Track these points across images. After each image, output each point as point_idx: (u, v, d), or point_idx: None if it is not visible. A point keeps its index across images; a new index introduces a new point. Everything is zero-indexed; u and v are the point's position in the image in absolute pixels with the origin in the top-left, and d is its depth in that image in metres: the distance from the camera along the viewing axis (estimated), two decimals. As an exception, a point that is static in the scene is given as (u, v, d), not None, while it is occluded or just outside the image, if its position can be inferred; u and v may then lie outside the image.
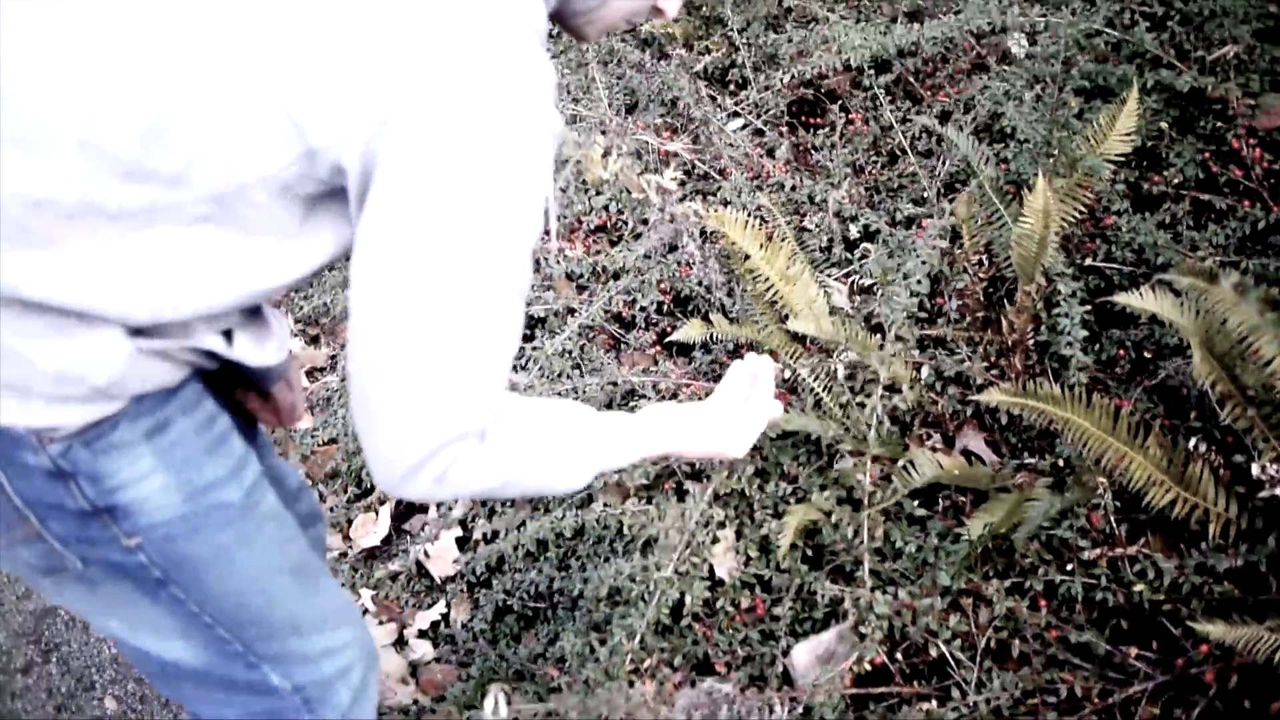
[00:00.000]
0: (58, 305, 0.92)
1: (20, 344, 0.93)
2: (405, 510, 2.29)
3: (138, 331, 0.97)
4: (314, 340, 2.73)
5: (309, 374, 2.63)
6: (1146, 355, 1.94)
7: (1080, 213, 1.97)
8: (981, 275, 2.06)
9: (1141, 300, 1.63)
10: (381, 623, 2.08)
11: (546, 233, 0.99)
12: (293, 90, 0.88)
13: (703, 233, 2.26)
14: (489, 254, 0.92)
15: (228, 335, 1.05)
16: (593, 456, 1.15)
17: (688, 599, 1.74)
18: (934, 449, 1.87)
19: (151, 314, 0.95)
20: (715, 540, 1.82)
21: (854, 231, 2.29)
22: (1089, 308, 1.90)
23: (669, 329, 2.23)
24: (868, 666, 1.64)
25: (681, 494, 1.91)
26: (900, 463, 1.80)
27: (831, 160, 2.44)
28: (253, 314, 1.08)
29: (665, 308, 2.32)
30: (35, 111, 0.88)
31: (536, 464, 1.08)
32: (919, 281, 1.92)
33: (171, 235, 0.93)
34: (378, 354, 0.94)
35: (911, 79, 2.57)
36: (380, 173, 0.90)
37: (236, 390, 1.22)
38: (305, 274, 1.01)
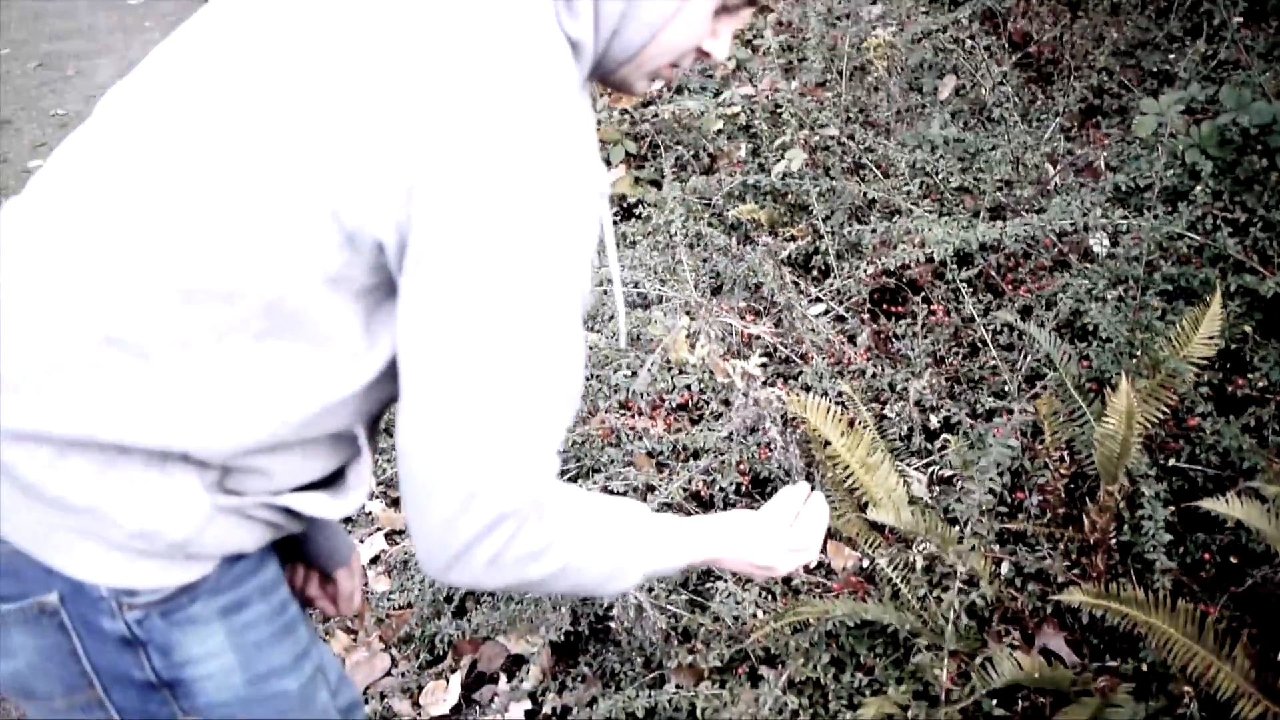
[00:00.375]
0: (135, 446, 0.92)
1: (98, 493, 0.93)
2: (475, 680, 2.29)
3: (217, 484, 0.97)
4: (394, 503, 2.78)
5: (388, 536, 2.67)
6: (1233, 561, 1.91)
7: (1163, 414, 1.97)
8: (1063, 472, 2.06)
9: (1227, 506, 1.62)
10: (447, 794, 2.07)
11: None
12: (323, 176, 0.87)
13: (784, 417, 2.29)
14: (533, 314, 0.89)
15: (306, 489, 1.04)
16: (646, 552, 1.11)
17: (758, 790, 1.71)
18: (1013, 646, 1.84)
19: (232, 442, 0.94)
20: (788, 730, 1.80)
21: (934, 422, 2.31)
22: (1173, 510, 1.89)
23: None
24: None
25: (755, 679, 1.90)
26: (978, 659, 1.78)
27: (912, 349, 2.48)
28: (335, 474, 1.07)
29: (744, 489, 2.34)
30: (94, 247, 0.91)
31: (593, 551, 1.03)
32: (999, 475, 1.92)
33: (239, 355, 0.92)
34: (427, 424, 0.90)
35: (993, 273, 2.61)
36: (413, 239, 0.87)
37: (298, 572, 1.24)
38: (374, 376, 0.98)
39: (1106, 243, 2.51)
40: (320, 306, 0.92)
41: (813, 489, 1.39)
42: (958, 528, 1.94)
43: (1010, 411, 2.15)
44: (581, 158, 0.90)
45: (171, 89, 0.95)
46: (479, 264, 0.86)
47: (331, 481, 1.07)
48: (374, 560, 2.56)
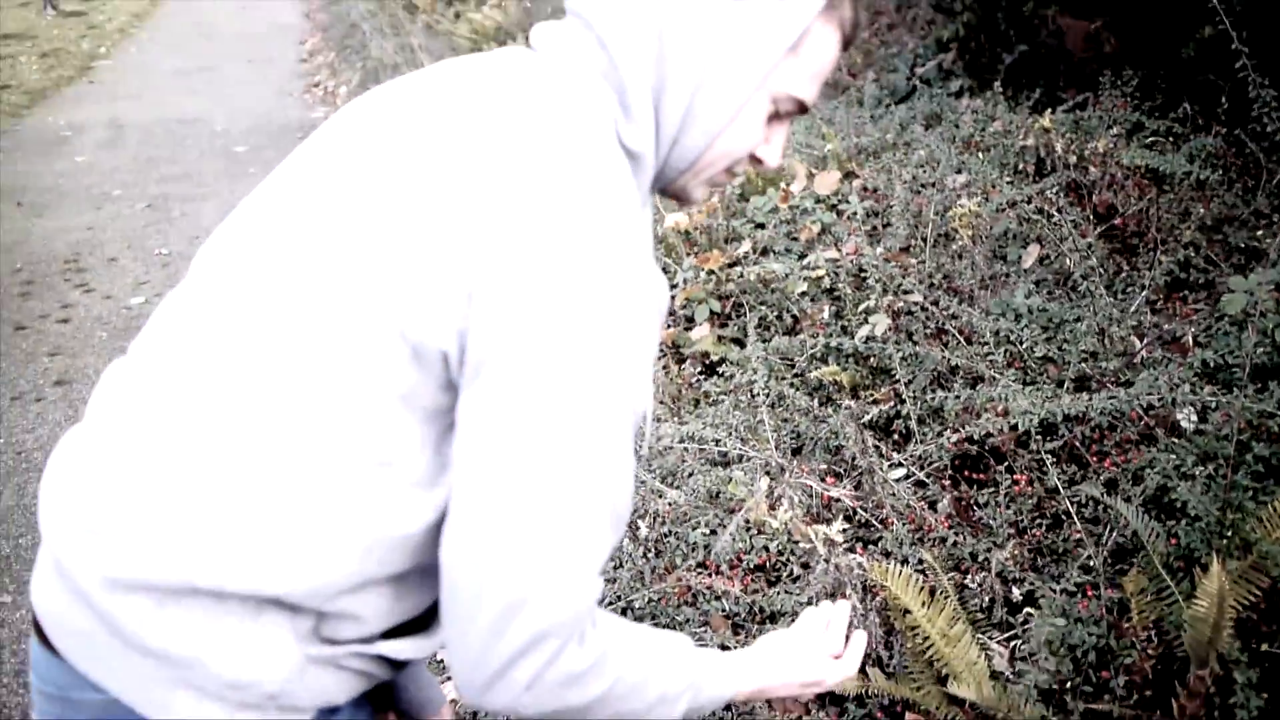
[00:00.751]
0: (231, 591, 0.94)
1: (197, 643, 0.95)
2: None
3: (311, 633, 0.99)
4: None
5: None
6: (1332, 756, 1.84)
7: (1256, 596, 1.92)
8: (1151, 652, 2.00)
9: (1325, 699, 1.57)
10: None
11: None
12: (389, 293, 0.91)
13: (864, 584, 2.27)
14: (586, 428, 0.89)
15: (395, 633, 1.05)
16: (692, 682, 1.10)
17: None
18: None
19: (321, 580, 0.95)
20: None
21: (1017, 594, 2.27)
22: (1266, 697, 1.82)
23: (823, 677, 2.20)
24: None
25: None
26: None
27: (995, 519, 2.45)
28: (427, 613, 1.08)
29: (820, 654, 2.30)
30: (184, 399, 0.96)
31: (636, 679, 1.02)
32: (1084, 654, 1.88)
33: (323, 489, 0.94)
34: (472, 534, 0.90)
35: (1078, 445, 2.59)
36: (471, 346, 0.89)
37: None
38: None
39: (1194, 418, 2.48)
40: (394, 430, 0.94)
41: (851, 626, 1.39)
42: (1041, 706, 1.89)
43: (1096, 587, 2.11)
44: (637, 272, 0.93)
45: (253, 237, 1.01)
46: (533, 375, 0.88)
47: (425, 622, 1.08)
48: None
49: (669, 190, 1.15)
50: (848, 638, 1.35)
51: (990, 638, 2.17)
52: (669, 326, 3.63)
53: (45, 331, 4.79)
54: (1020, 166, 3.92)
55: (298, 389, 0.93)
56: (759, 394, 2.91)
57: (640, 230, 0.97)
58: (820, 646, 1.31)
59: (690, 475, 2.74)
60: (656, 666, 1.05)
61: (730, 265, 3.82)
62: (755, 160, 1.14)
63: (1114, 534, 2.29)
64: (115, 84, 10.94)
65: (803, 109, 1.11)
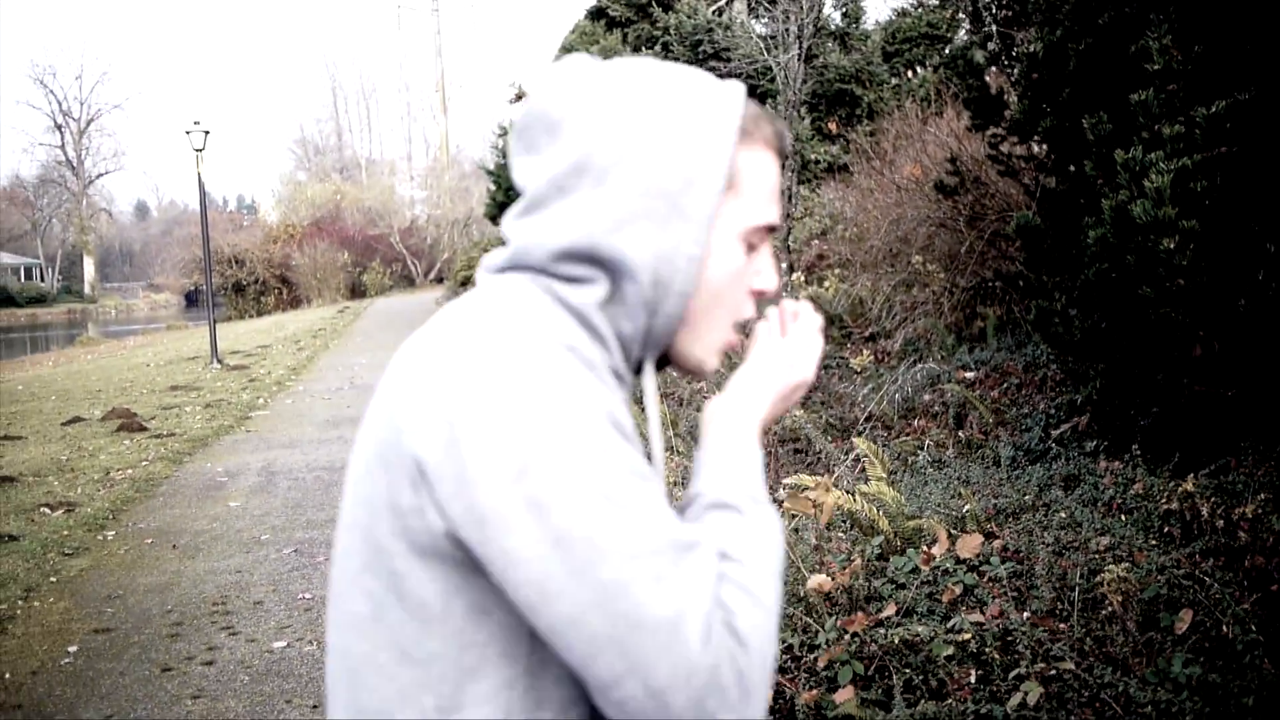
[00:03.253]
0: None
1: None
2: None
3: None
4: None
5: None
6: None
7: None
8: None
9: None
10: None
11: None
12: (382, 468, 1.02)
13: None
14: (584, 542, 0.94)
15: None
16: (749, 498, 1.11)
17: None
18: None
19: None
20: None
21: None
22: None
23: None
24: None
25: None
26: None
27: None
28: None
29: None
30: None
31: (761, 569, 1.04)
32: None
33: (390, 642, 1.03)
34: (595, 688, 0.96)
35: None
36: (448, 515, 0.97)
37: None
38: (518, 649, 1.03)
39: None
40: (431, 594, 1.01)
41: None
42: None
43: None
44: (558, 428, 0.96)
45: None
46: (514, 506, 0.95)
47: None
48: None
49: (676, 361, 1.18)
50: None
51: None
52: (810, 688, 3.58)
53: (189, 674, 4.91)
54: (1166, 530, 3.89)
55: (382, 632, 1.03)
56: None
57: (592, 392, 1.00)
58: (783, 343, 1.27)
59: None
60: (753, 538, 1.07)
61: (874, 625, 3.79)
62: (759, 294, 1.18)
63: None
64: (270, 433, 11.58)
65: (772, 229, 1.16)
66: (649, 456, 1.15)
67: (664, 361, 1.20)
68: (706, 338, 1.16)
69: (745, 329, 1.23)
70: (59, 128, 68.81)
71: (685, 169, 1.09)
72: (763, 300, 1.19)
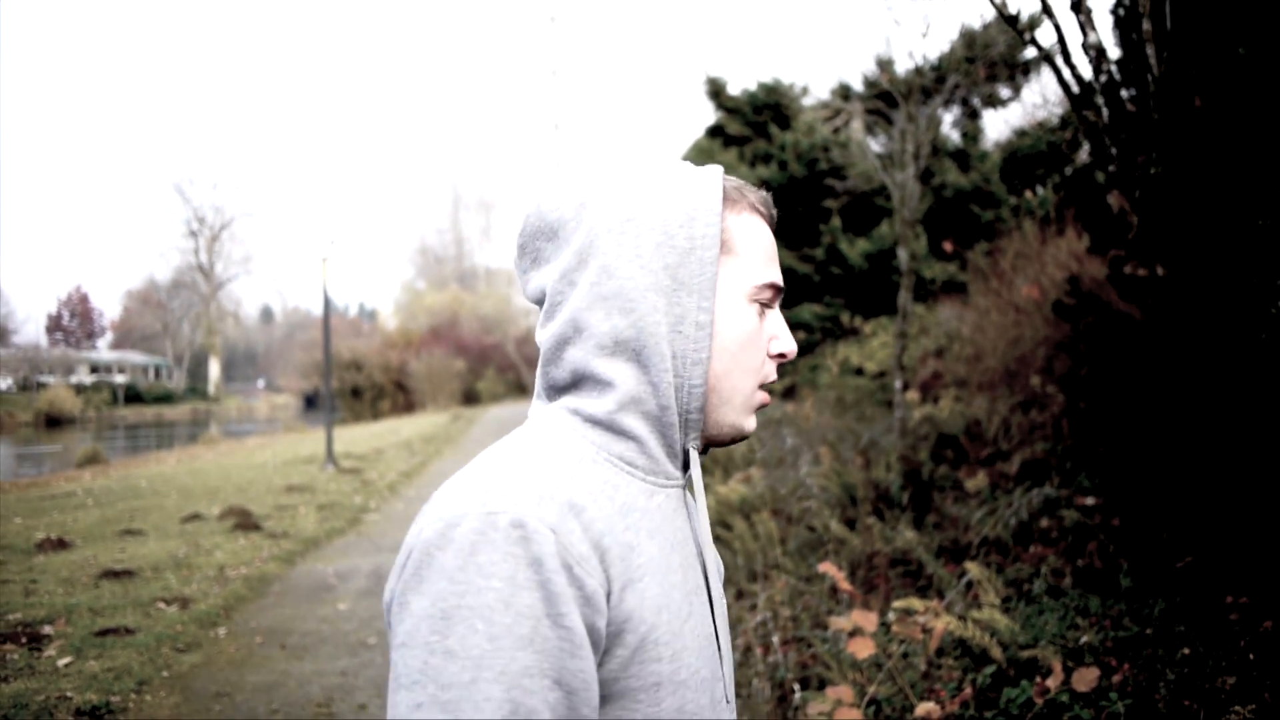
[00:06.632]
0: None
1: None
2: None
3: None
4: None
5: None
6: None
7: None
8: None
9: None
10: None
11: None
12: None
13: None
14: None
15: None
16: None
17: None
18: None
19: None
20: None
21: None
22: None
23: None
24: None
25: None
26: None
27: None
28: None
29: None
30: None
31: None
32: None
33: None
34: None
35: None
36: None
37: None
38: None
39: None
40: None
41: None
42: None
43: None
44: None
45: None
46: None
47: None
48: None
49: (716, 434, 1.21)
50: None
51: None
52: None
53: (293, 775, 4.93)
54: (1298, 671, 3.69)
55: None
56: None
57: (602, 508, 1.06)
58: None
59: None
60: None
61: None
62: (779, 357, 1.21)
63: None
64: (380, 536, 11.74)
65: (778, 288, 1.19)
66: (699, 549, 1.22)
67: (709, 444, 1.23)
68: (735, 400, 1.19)
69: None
70: (194, 234, 71.88)
71: (681, 239, 1.15)
72: (785, 364, 1.23)
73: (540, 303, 1.22)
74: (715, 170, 1.22)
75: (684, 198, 1.17)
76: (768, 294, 1.20)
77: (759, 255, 1.20)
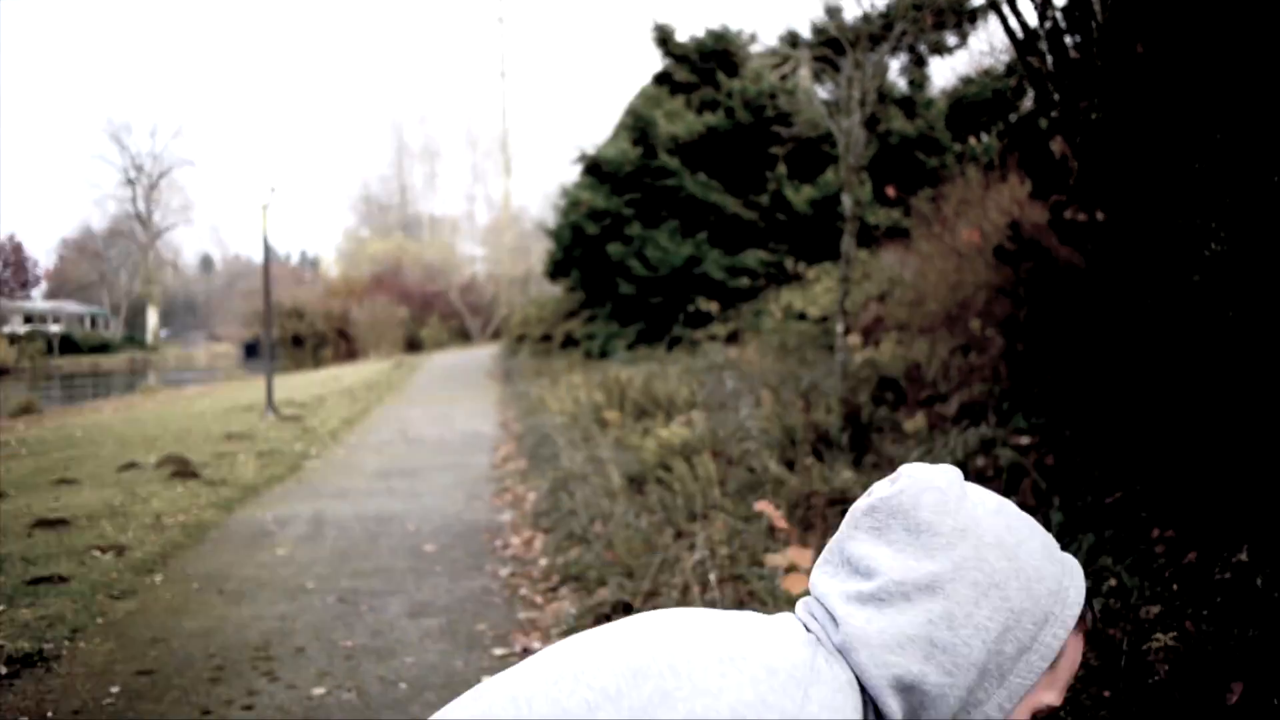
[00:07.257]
0: None
1: None
2: None
3: None
4: None
5: None
6: None
7: None
8: None
9: None
10: None
11: None
12: None
13: None
14: None
15: None
16: None
17: None
18: None
19: None
20: None
21: None
22: None
23: None
24: None
25: None
26: None
27: None
28: None
29: None
30: None
31: None
32: None
33: None
34: None
35: None
36: None
37: None
38: None
39: None
40: None
41: None
42: None
43: None
44: None
45: None
46: None
47: None
48: None
49: None
50: None
51: None
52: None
53: (229, 718, 4.90)
54: (1218, 600, 3.78)
55: None
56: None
57: None
58: None
59: None
60: None
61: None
62: (1049, 709, 1.16)
63: None
64: (321, 483, 11.64)
65: (1052, 709, 1.16)
66: None
67: None
68: None
69: None
70: (131, 182, 70.46)
71: (1026, 637, 1.12)
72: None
73: (856, 568, 1.19)
74: (1081, 577, 1.18)
75: (1051, 600, 1.14)
76: (1044, 711, 1.17)
77: (1067, 678, 1.17)
